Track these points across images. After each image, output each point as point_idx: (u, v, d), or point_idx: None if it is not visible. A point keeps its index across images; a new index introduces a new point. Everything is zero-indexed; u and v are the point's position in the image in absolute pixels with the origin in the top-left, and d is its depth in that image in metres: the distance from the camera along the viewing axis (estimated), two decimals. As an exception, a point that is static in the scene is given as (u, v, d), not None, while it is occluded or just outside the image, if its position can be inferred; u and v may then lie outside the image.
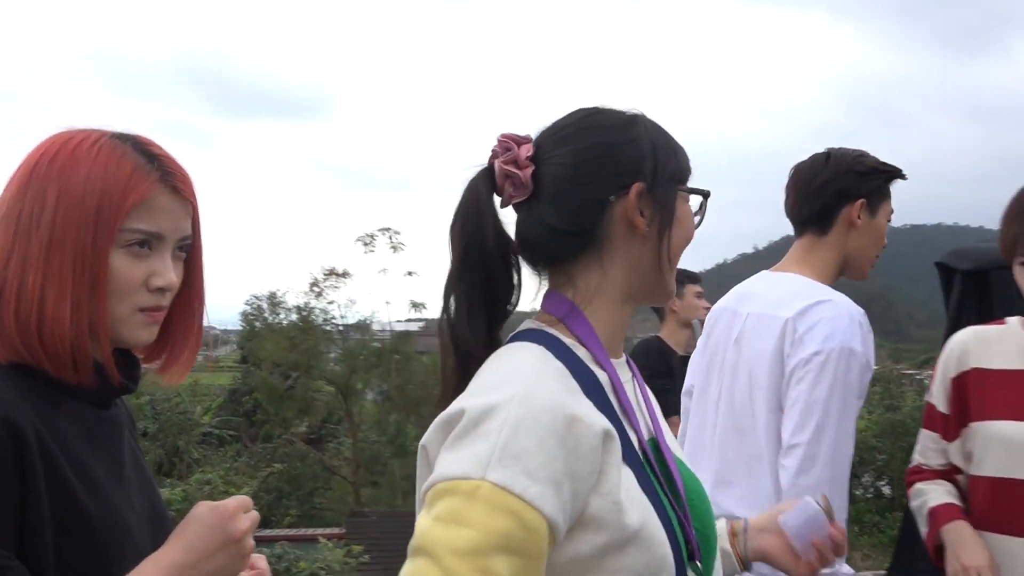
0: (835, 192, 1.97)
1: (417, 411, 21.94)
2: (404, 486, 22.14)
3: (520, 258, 1.05)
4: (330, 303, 20.41)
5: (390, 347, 20.81)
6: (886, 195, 2.03)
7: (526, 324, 1.04)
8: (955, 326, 2.73)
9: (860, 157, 2.01)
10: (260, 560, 1.16)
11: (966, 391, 1.77)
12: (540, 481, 0.82)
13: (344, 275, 20.22)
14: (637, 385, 1.09)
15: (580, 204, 0.99)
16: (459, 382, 0.99)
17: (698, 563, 0.97)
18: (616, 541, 0.88)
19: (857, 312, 1.87)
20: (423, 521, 0.85)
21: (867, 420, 10.15)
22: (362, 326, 21.04)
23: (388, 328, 22.18)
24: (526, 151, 0.99)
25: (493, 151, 1.01)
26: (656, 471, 0.98)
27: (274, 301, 21.04)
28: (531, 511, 0.82)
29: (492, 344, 1.02)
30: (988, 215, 2.72)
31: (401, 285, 26.83)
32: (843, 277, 2.05)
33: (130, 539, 1.04)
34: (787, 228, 2.11)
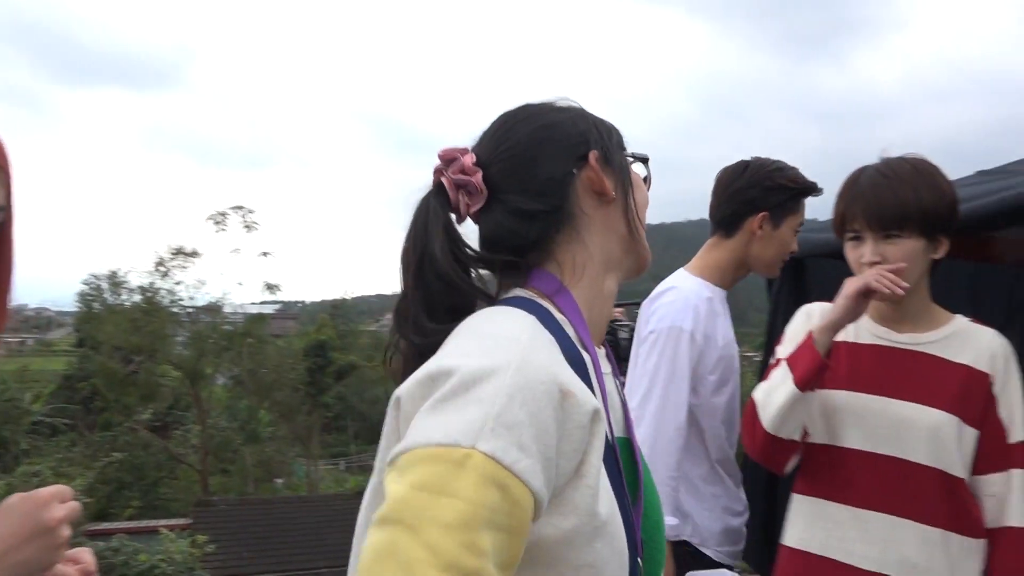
0: (743, 201, 2.11)
1: (270, 396, 21.40)
2: (256, 473, 21.53)
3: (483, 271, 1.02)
4: (177, 284, 19.47)
5: (242, 330, 20.17)
6: (792, 210, 2.13)
7: (515, 291, 0.98)
8: (775, 310, 2.95)
9: (773, 172, 2.12)
10: (84, 553, 1.07)
11: None
12: (531, 455, 0.77)
13: (193, 254, 19.34)
14: (616, 381, 1.06)
15: (544, 183, 0.97)
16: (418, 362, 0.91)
17: (640, 561, 0.95)
18: (583, 530, 0.83)
19: (698, 298, 2.07)
20: (398, 488, 0.76)
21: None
22: (212, 308, 20.18)
23: (240, 310, 21.45)
24: (470, 159, 0.98)
25: (436, 169, 0.99)
26: (620, 468, 0.94)
27: (115, 281, 19.81)
28: (520, 485, 0.76)
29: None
30: (820, 208, 2.95)
31: (255, 266, 26.02)
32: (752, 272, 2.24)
33: None
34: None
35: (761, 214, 2.11)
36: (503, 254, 0.98)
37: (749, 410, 1.75)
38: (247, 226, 19.58)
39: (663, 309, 2.09)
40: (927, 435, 1.60)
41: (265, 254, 20.31)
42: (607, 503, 0.87)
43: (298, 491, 22.10)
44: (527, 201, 0.97)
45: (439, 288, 0.95)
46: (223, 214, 19.40)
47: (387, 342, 0.99)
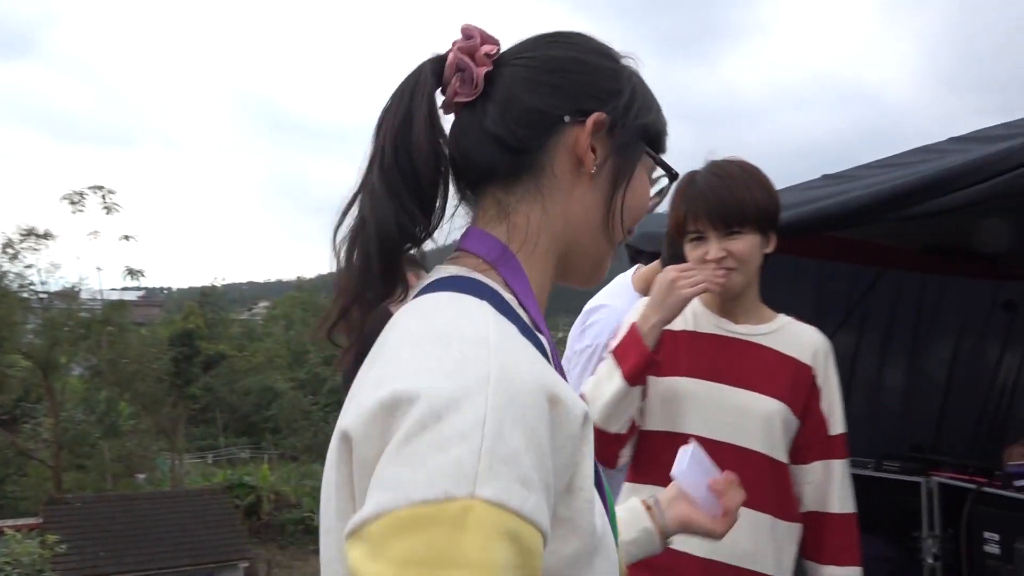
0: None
1: (131, 387, 20.40)
2: (115, 468, 20.47)
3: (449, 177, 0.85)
4: (28, 267, 18.23)
5: (101, 317, 19.11)
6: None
7: (444, 270, 0.81)
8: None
9: None
10: None
11: None
12: (535, 488, 0.62)
13: (46, 236, 18.15)
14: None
15: (527, 112, 0.81)
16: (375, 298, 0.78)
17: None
18: (586, 549, 0.71)
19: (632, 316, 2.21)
20: (377, 570, 0.58)
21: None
22: (67, 294, 19.03)
23: (99, 296, 20.29)
24: (488, 48, 0.82)
25: (453, 42, 0.84)
26: (599, 469, 0.81)
27: (-44, 263, 18.31)
28: (531, 529, 0.61)
29: (396, 274, 0.80)
30: None
31: (116, 250, 24.66)
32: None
33: None
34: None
35: None
36: (461, 169, 0.84)
37: None
38: (107, 208, 18.59)
39: (598, 326, 2.27)
40: (762, 423, 1.67)
41: (127, 238, 19.36)
42: (600, 512, 0.75)
43: (161, 486, 21.17)
44: (500, 124, 0.81)
45: (411, 179, 0.78)
46: (80, 194, 18.32)
47: (327, 313, 0.80)
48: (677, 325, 1.70)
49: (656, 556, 1.37)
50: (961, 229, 3.13)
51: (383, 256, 0.77)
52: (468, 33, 0.83)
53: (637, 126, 0.85)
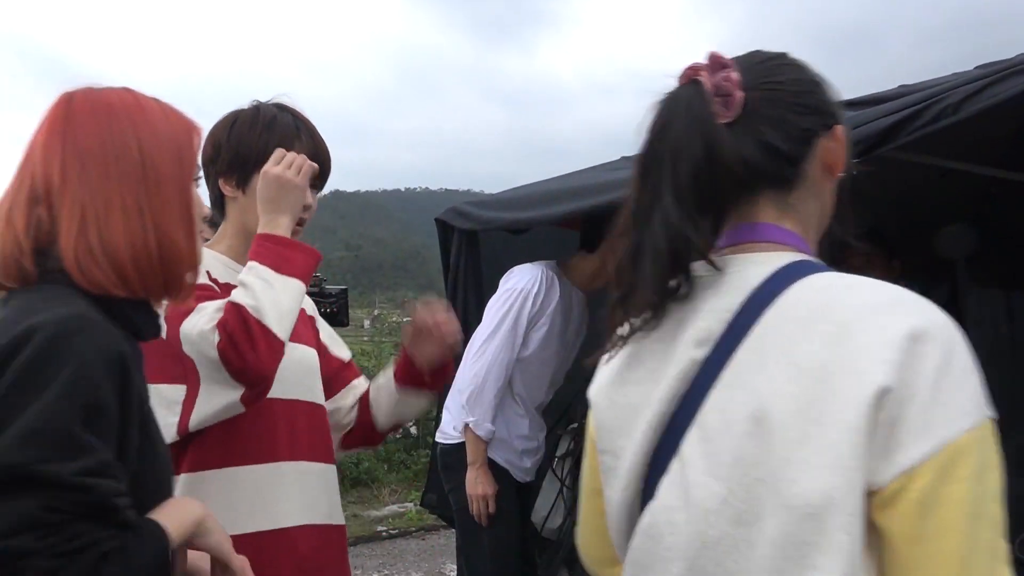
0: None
1: None
2: None
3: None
4: None
5: None
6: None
7: (776, 258, 0.91)
8: (454, 278, 3.14)
9: None
10: None
11: None
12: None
13: None
14: None
15: (800, 131, 0.93)
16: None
17: None
18: None
19: (541, 276, 2.69)
20: (958, 489, 0.73)
21: (397, 366, 11.00)
22: None
23: None
24: (736, 75, 0.92)
25: (694, 67, 0.93)
26: None
27: None
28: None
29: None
30: (506, 183, 3.17)
31: None
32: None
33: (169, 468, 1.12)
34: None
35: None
36: (750, 174, 0.92)
37: None
38: None
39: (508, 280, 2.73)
40: (315, 374, 1.64)
41: None
42: None
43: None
44: (781, 141, 0.92)
45: (708, 199, 0.89)
46: None
47: (611, 320, 0.97)
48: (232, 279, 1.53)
49: (261, 535, 1.45)
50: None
51: (674, 272, 0.89)
52: (722, 62, 0.93)
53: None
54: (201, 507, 1.06)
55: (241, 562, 1.10)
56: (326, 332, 1.81)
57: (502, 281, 2.75)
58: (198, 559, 1.10)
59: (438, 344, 1.68)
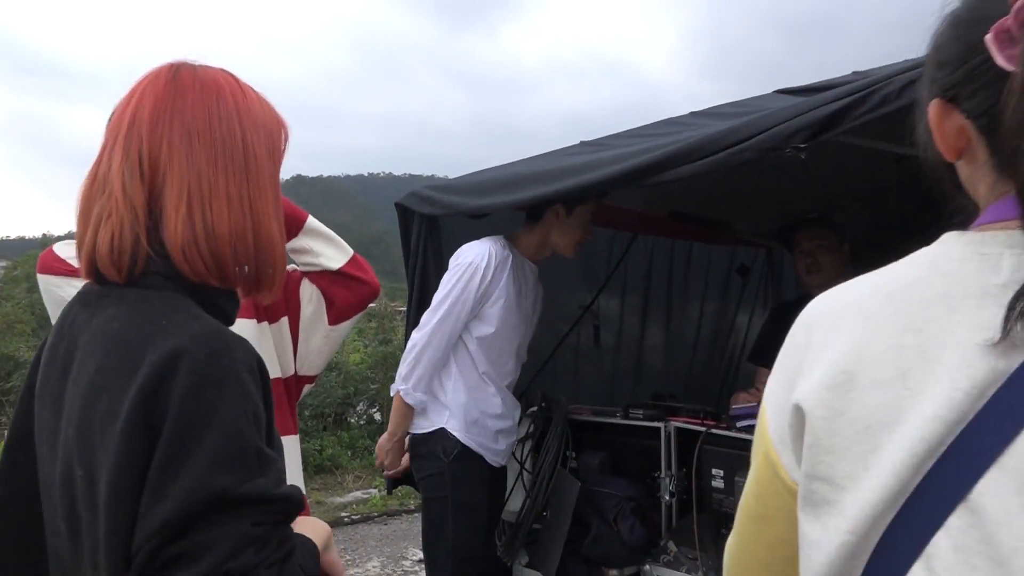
0: None
1: None
2: None
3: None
4: None
5: None
6: (581, 201, 2.72)
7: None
8: (415, 262, 3.12)
9: None
10: None
11: None
12: None
13: None
14: None
15: None
16: None
17: None
18: None
19: (491, 250, 2.69)
20: None
21: (363, 353, 10.91)
22: None
23: None
24: None
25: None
26: None
27: None
28: None
29: None
30: (470, 168, 3.21)
31: None
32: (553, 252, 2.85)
33: None
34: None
35: (557, 205, 2.72)
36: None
37: None
38: None
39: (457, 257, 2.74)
40: (269, 349, 1.75)
41: None
42: None
43: None
44: None
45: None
46: None
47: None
48: None
49: None
50: (699, 197, 3.44)
51: None
52: None
53: None
54: (325, 524, 1.10)
55: None
56: None
57: (452, 259, 2.77)
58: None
59: None
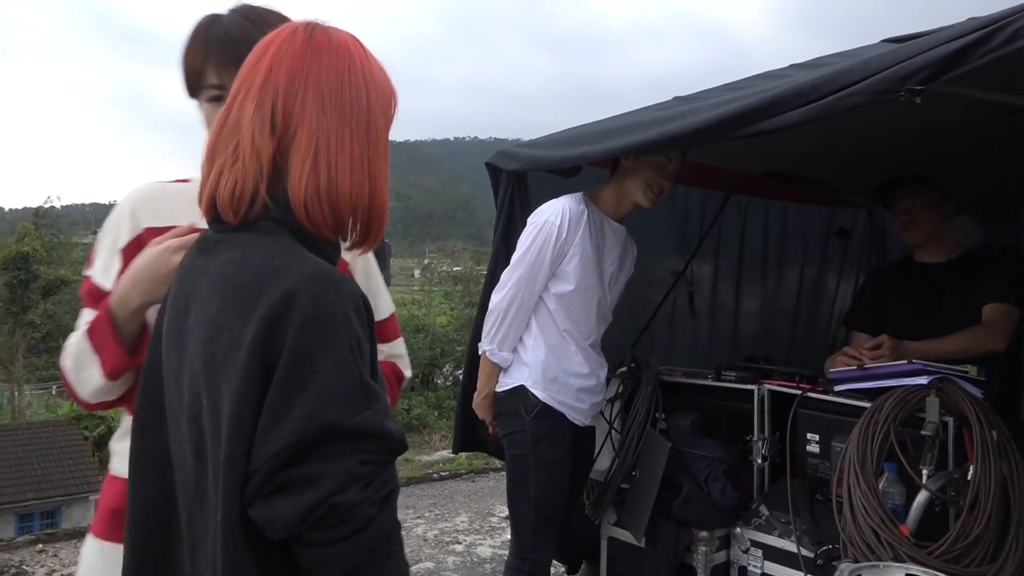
0: None
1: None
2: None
3: None
4: None
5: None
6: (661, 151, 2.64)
7: None
8: (505, 219, 3.12)
9: None
10: None
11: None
12: None
13: None
14: None
15: None
16: None
17: None
18: None
19: (566, 207, 2.66)
20: None
21: (449, 316, 11.05)
22: None
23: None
24: None
25: None
26: None
27: None
28: None
29: None
30: (555, 130, 3.20)
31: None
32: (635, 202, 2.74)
33: None
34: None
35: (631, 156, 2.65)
36: None
37: (63, 378, 1.41)
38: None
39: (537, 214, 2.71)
40: None
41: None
42: None
43: None
44: None
45: None
46: None
47: None
48: (177, 220, 1.38)
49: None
50: (797, 156, 3.32)
51: None
52: None
53: None
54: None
55: None
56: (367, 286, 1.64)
57: (530, 217, 2.74)
58: None
59: None
